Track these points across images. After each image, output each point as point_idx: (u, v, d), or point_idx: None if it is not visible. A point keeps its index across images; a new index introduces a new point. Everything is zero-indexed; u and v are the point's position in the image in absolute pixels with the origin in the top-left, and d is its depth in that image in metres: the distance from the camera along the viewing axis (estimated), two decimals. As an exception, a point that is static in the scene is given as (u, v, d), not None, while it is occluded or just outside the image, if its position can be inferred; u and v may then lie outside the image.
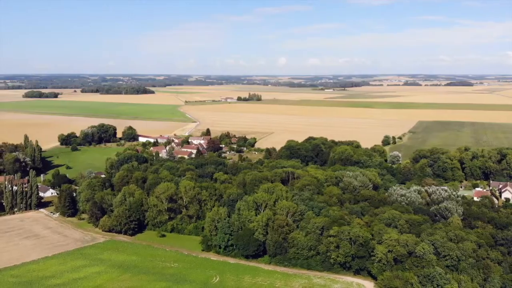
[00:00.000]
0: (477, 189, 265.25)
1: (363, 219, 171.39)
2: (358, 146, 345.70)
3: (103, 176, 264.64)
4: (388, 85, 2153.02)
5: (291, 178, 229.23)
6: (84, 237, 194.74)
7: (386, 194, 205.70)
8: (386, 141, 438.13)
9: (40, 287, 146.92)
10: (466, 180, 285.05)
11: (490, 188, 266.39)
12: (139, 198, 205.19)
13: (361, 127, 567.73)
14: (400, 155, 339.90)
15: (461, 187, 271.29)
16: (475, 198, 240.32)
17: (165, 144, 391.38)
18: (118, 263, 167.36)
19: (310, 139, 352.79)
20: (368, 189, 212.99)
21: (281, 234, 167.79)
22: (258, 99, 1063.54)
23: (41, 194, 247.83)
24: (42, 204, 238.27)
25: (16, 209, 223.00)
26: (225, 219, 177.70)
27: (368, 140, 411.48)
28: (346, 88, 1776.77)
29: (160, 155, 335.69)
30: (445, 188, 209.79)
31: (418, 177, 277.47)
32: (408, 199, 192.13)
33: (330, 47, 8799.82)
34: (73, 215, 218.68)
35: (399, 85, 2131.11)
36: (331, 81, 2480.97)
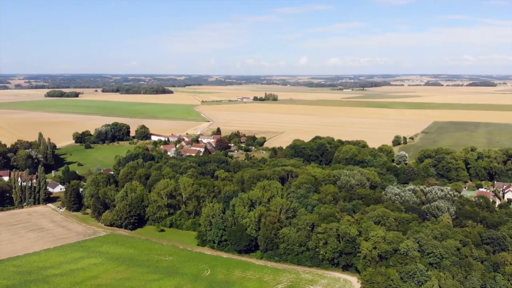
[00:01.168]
0: (480, 189, 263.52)
1: (354, 217, 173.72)
2: (364, 145, 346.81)
3: (111, 173, 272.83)
4: (409, 85, 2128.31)
5: (290, 177, 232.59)
6: (86, 230, 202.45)
7: (383, 193, 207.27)
8: (396, 141, 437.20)
9: (39, 276, 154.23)
10: (471, 180, 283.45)
11: (494, 188, 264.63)
12: (140, 194, 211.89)
13: (374, 127, 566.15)
14: (407, 155, 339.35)
15: (465, 187, 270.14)
16: (476, 199, 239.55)
17: (175, 143, 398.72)
18: (116, 255, 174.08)
19: (316, 138, 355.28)
20: (365, 188, 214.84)
21: (272, 230, 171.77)
22: (274, 99, 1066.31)
23: (50, 189, 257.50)
24: (50, 199, 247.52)
25: (25, 204, 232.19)
26: (219, 215, 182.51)
27: (379, 140, 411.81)
28: (365, 88, 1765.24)
29: (168, 153, 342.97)
30: (442, 187, 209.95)
31: (422, 177, 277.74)
32: (402, 198, 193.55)
33: (351, 47, 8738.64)
34: (78, 209, 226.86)
35: (420, 85, 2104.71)
36: (352, 81, 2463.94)
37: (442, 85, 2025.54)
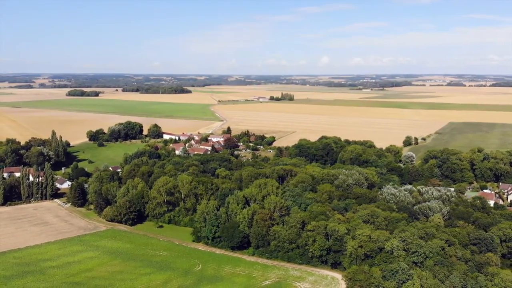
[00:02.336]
0: (485, 190, 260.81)
1: (345, 215, 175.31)
2: (371, 146, 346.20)
3: (118, 170, 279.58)
4: (430, 85, 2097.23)
5: (290, 175, 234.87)
6: (88, 225, 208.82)
7: (379, 192, 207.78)
8: (407, 142, 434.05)
9: (36, 268, 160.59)
10: (476, 181, 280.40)
11: (499, 190, 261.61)
12: (140, 191, 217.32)
13: (387, 127, 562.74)
14: (414, 155, 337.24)
15: (469, 188, 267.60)
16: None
17: (185, 142, 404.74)
18: (112, 249, 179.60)
19: (322, 138, 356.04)
20: (362, 187, 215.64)
21: (263, 227, 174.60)
22: (291, 98, 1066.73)
23: (58, 185, 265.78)
24: (58, 194, 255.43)
25: (32, 199, 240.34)
26: (213, 212, 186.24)
27: (390, 140, 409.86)
28: (385, 88, 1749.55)
29: (176, 151, 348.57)
30: (440, 188, 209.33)
31: (426, 178, 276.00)
32: (397, 198, 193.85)
33: (374, 46, 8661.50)
34: (82, 205, 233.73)
35: (442, 85, 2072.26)
36: (373, 81, 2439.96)
37: (465, 86, 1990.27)
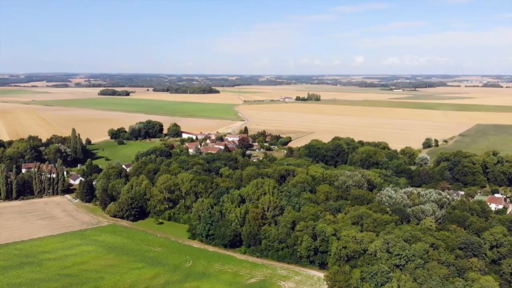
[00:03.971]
0: (496, 195, 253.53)
1: (336, 216, 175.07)
2: (384, 147, 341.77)
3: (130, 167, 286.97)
4: (466, 86, 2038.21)
5: (292, 176, 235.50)
6: (91, 220, 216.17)
7: (377, 194, 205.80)
8: (427, 144, 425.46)
9: (34, 260, 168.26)
10: (488, 185, 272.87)
11: (510, 194, 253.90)
12: (143, 188, 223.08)
13: (409, 128, 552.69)
14: (428, 157, 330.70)
15: (479, 192, 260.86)
16: (488, 204, 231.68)
17: (201, 141, 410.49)
18: (109, 244, 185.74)
19: (335, 139, 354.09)
20: (362, 189, 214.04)
21: (255, 226, 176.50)
22: (317, 99, 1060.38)
23: (71, 181, 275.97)
24: (70, 190, 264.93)
25: (44, 194, 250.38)
26: (207, 210, 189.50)
27: (410, 142, 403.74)
28: (417, 89, 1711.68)
29: (189, 150, 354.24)
30: (441, 191, 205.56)
31: (436, 181, 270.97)
32: (394, 200, 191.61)
33: (410, 46, 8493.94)
34: (89, 201, 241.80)
35: (478, 86, 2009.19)
36: (408, 81, 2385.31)
37: (502, 87, 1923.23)
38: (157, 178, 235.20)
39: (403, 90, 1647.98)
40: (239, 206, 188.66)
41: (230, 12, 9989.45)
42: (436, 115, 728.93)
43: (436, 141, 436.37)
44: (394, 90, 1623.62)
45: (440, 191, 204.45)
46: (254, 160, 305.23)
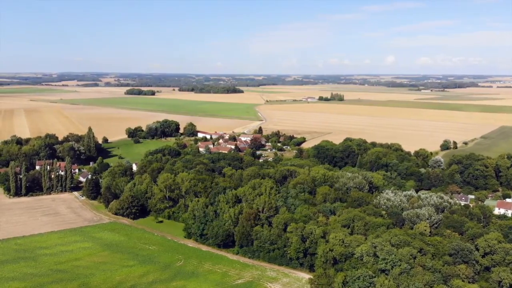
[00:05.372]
0: (507, 199, 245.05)
1: (329, 218, 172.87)
2: (397, 149, 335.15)
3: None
4: (498, 87, 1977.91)
5: (294, 176, 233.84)
6: (94, 217, 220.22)
7: (378, 197, 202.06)
8: (445, 146, 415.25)
9: (31, 255, 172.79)
10: (501, 189, 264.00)
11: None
12: (145, 186, 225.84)
13: (430, 130, 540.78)
14: (442, 160, 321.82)
15: (490, 196, 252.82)
16: (497, 209, 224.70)
17: (214, 141, 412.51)
18: (105, 241, 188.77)
19: (346, 140, 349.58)
20: (362, 191, 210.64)
21: (247, 226, 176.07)
22: (340, 99, 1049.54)
23: (81, 179, 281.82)
24: (79, 187, 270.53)
25: (52, 191, 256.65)
26: (201, 210, 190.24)
27: (427, 144, 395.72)
28: (446, 89, 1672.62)
29: (200, 149, 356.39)
30: (442, 195, 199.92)
31: (446, 184, 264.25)
32: (392, 202, 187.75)
33: (442, 46, 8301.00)
34: (95, 198, 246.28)
35: (510, 87, 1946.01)
36: (438, 81, 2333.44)
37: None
38: (160, 176, 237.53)
39: (431, 90, 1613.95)
40: (233, 206, 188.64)
41: (259, 12, 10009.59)
42: (461, 116, 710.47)
43: (455, 143, 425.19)
44: (422, 91, 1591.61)
45: (442, 195, 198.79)
46: (261, 160, 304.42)
